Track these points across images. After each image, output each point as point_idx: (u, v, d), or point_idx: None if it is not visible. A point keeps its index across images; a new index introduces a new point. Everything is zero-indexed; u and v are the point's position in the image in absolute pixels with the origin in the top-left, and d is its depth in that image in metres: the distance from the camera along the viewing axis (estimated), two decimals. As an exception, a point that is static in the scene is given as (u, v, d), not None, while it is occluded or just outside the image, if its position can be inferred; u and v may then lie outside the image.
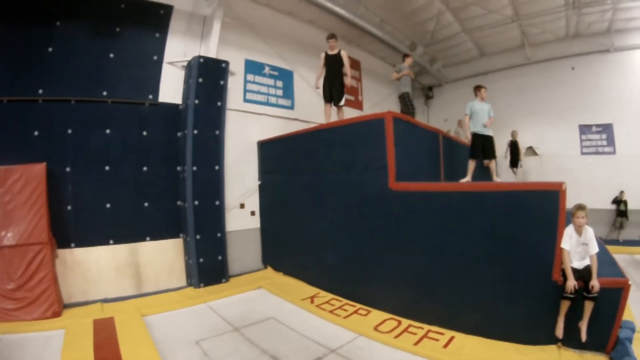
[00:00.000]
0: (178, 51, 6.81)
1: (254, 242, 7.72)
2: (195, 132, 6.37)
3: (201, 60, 6.54)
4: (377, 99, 11.95)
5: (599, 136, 10.72)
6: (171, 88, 6.69)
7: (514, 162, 10.61)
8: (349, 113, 9.51)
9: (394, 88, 13.11)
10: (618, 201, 10.07)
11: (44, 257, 4.99)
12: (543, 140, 11.53)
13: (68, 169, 5.69)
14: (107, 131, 6.04)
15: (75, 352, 3.83)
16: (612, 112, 10.42)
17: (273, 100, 8.47)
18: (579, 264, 3.64)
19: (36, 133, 5.50)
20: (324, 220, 6.14)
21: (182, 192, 6.52)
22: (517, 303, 3.93)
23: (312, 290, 6.07)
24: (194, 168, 6.33)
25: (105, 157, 6.00)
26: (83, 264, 5.65)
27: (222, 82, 6.81)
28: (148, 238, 6.27)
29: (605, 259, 4.23)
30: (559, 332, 3.64)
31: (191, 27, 7.00)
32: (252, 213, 7.75)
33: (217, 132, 6.70)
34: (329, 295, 5.75)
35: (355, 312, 5.08)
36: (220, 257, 6.59)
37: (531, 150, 11.74)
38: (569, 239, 3.65)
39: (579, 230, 3.67)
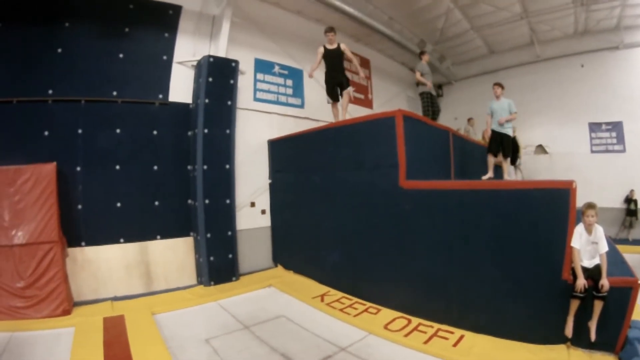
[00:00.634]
0: (187, 51, 6.83)
1: (264, 241, 7.73)
2: (206, 131, 6.39)
3: (211, 59, 6.55)
4: (386, 97, 11.95)
5: (609, 134, 10.65)
6: (181, 87, 6.71)
7: (513, 159, 10.51)
8: (359, 112, 9.54)
9: (403, 86, 13.23)
10: (629, 200, 9.98)
11: (54, 255, 5.02)
12: (553, 139, 11.48)
13: (78, 169, 5.73)
14: (118, 131, 6.08)
15: (85, 349, 3.84)
16: (622, 109, 10.34)
17: (283, 99, 8.48)
18: (588, 263, 3.63)
19: (46, 133, 5.55)
20: (334, 218, 6.14)
21: (193, 190, 6.55)
22: (527, 302, 3.91)
23: (322, 288, 6.08)
24: (205, 167, 6.35)
25: (116, 156, 6.03)
26: (93, 262, 5.69)
27: (232, 81, 6.82)
28: (158, 237, 6.31)
29: (615, 258, 4.20)
30: (569, 331, 3.62)
31: (200, 27, 7.02)
32: (263, 212, 7.75)
33: (227, 131, 6.72)
34: (339, 294, 5.75)
35: (365, 310, 5.08)
36: (230, 256, 6.60)
37: (541, 149, 11.66)
38: (579, 238, 3.63)
39: (588, 229, 3.65)
